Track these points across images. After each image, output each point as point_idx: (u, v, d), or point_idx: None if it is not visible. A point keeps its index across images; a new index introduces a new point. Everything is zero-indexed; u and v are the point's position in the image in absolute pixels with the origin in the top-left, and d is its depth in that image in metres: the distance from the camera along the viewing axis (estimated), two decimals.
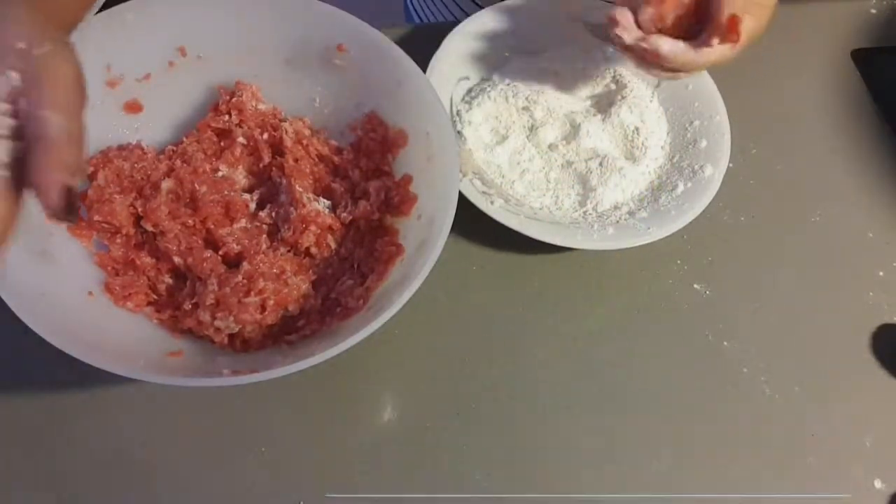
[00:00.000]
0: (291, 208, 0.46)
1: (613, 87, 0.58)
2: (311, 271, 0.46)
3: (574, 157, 0.54)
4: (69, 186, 0.31)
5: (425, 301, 0.48)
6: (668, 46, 0.46)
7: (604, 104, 0.57)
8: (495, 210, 0.49)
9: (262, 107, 0.51)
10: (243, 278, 0.43)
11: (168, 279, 0.45)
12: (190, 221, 0.46)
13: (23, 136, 0.31)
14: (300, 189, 0.47)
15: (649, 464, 0.46)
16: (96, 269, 0.44)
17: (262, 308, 0.43)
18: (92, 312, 0.41)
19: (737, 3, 0.45)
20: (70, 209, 0.31)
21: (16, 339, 0.37)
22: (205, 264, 0.44)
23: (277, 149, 0.50)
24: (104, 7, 0.47)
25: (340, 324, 0.43)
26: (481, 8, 0.59)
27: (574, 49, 0.58)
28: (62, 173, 0.30)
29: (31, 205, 0.42)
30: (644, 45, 0.46)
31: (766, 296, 0.53)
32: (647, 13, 0.46)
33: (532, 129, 0.55)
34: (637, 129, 0.55)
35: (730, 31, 0.45)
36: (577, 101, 0.57)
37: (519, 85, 0.56)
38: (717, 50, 0.46)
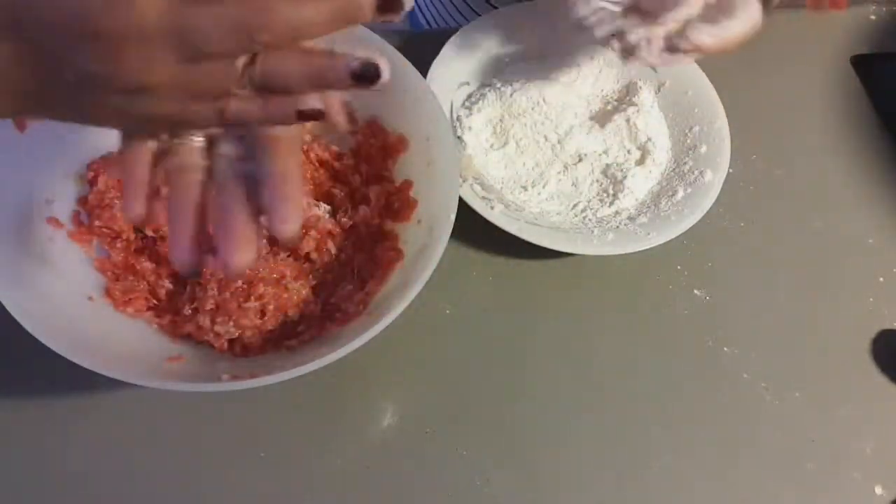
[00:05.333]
0: None
1: (616, 93, 0.58)
2: (310, 276, 0.46)
3: (578, 163, 0.54)
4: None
5: (425, 306, 0.48)
6: (711, 39, 0.41)
7: (607, 110, 0.57)
8: (495, 215, 0.49)
9: None
10: (243, 283, 0.43)
11: (168, 284, 0.45)
12: None
13: None
14: None
15: (649, 469, 0.46)
16: (97, 274, 0.44)
17: (262, 313, 0.43)
18: (92, 317, 0.41)
19: None
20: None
21: (16, 344, 0.37)
22: (204, 269, 0.44)
23: None
24: None
25: (340, 329, 0.43)
26: (495, 8, 0.59)
27: (576, 55, 0.58)
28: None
29: (33, 209, 0.42)
30: (684, 46, 0.41)
31: (766, 301, 0.53)
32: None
33: (534, 134, 0.55)
34: (642, 133, 0.55)
35: None
36: (579, 108, 0.57)
37: (520, 91, 0.56)
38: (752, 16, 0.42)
